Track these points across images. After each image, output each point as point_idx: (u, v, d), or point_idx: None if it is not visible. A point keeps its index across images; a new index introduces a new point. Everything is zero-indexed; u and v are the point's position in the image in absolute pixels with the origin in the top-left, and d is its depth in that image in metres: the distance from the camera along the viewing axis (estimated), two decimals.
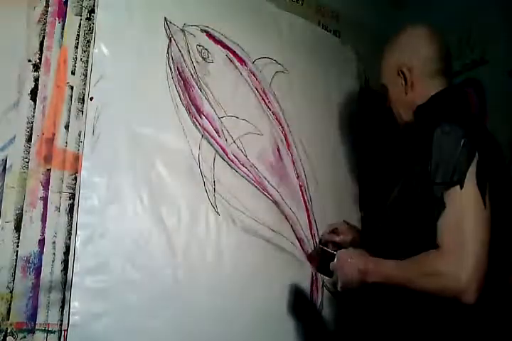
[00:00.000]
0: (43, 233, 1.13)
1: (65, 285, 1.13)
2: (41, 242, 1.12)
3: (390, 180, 1.42)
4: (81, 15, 1.26)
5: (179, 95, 1.40)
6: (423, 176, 1.09)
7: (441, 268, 1.01)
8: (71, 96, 1.22)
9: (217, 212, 1.41)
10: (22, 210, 1.11)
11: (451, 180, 1.04)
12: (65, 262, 1.15)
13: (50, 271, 1.12)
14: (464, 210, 1.02)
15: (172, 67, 1.40)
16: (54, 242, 1.14)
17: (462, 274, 0.98)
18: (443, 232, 1.03)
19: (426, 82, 1.27)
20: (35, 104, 1.16)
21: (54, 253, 1.14)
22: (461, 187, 1.03)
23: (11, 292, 1.07)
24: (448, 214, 1.03)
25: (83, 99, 1.24)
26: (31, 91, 1.16)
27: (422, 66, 1.27)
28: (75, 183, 1.19)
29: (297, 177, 1.65)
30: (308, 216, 1.66)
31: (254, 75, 1.60)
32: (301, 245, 1.60)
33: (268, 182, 1.56)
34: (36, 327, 1.08)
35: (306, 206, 1.66)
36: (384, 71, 1.37)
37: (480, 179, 1.03)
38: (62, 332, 1.11)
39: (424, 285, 1.04)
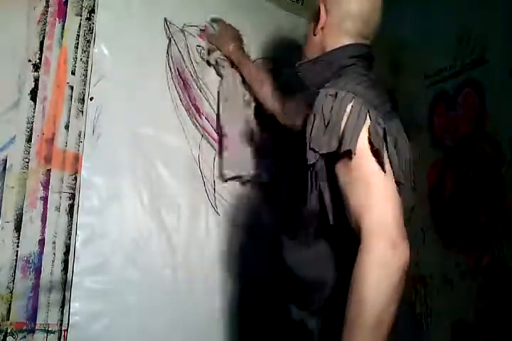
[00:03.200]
0: (43, 233, 1.13)
1: (65, 285, 1.13)
2: (41, 242, 1.12)
3: None
4: (81, 16, 1.26)
5: (179, 95, 1.40)
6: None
7: None
8: (71, 96, 1.22)
9: (217, 212, 1.41)
10: (22, 210, 1.11)
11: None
12: (65, 262, 1.15)
13: (50, 271, 1.13)
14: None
15: (172, 67, 1.40)
16: (54, 242, 1.14)
17: None
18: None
19: (337, 36, 1.12)
20: (35, 104, 1.16)
21: (54, 253, 1.14)
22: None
23: (11, 292, 1.07)
24: None
25: (83, 99, 1.24)
26: (31, 91, 1.16)
27: (340, 17, 1.12)
28: (75, 183, 1.19)
29: None
30: None
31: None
32: None
33: None
34: (36, 327, 1.09)
35: None
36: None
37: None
38: (62, 332, 1.11)
39: None
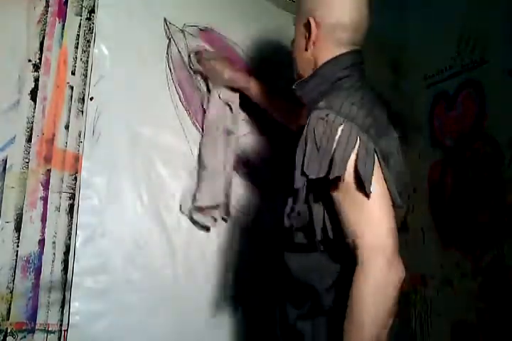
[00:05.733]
0: (43, 233, 1.13)
1: (65, 285, 1.13)
2: (41, 242, 1.12)
3: None
4: (81, 15, 1.26)
5: (179, 95, 1.40)
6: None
7: None
8: (71, 96, 1.22)
9: None
10: (22, 210, 1.11)
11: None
12: (65, 262, 1.15)
13: (50, 271, 1.12)
14: None
15: (172, 67, 1.40)
16: (54, 242, 1.14)
17: None
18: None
19: (329, 48, 1.12)
20: (35, 104, 1.16)
21: (54, 253, 1.14)
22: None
23: (11, 292, 1.07)
24: None
25: (83, 99, 1.24)
26: (31, 91, 1.16)
27: (332, 28, 1.10)
28: (75, 183, 1.19)
29: None
30: None
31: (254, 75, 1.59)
32: None
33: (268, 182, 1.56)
34: (36, 327, 1.09)
35: None
36: (296, 16, 1.20)
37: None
38: (62, 332, 1.11)
39: None
